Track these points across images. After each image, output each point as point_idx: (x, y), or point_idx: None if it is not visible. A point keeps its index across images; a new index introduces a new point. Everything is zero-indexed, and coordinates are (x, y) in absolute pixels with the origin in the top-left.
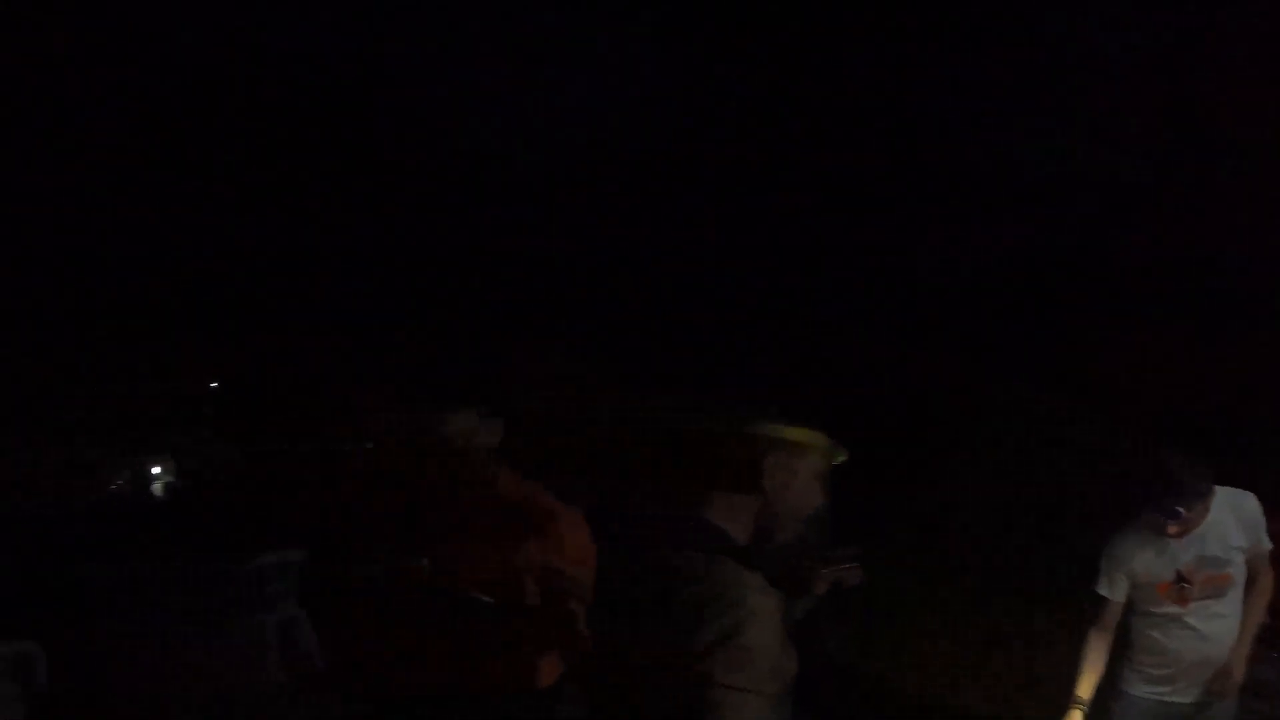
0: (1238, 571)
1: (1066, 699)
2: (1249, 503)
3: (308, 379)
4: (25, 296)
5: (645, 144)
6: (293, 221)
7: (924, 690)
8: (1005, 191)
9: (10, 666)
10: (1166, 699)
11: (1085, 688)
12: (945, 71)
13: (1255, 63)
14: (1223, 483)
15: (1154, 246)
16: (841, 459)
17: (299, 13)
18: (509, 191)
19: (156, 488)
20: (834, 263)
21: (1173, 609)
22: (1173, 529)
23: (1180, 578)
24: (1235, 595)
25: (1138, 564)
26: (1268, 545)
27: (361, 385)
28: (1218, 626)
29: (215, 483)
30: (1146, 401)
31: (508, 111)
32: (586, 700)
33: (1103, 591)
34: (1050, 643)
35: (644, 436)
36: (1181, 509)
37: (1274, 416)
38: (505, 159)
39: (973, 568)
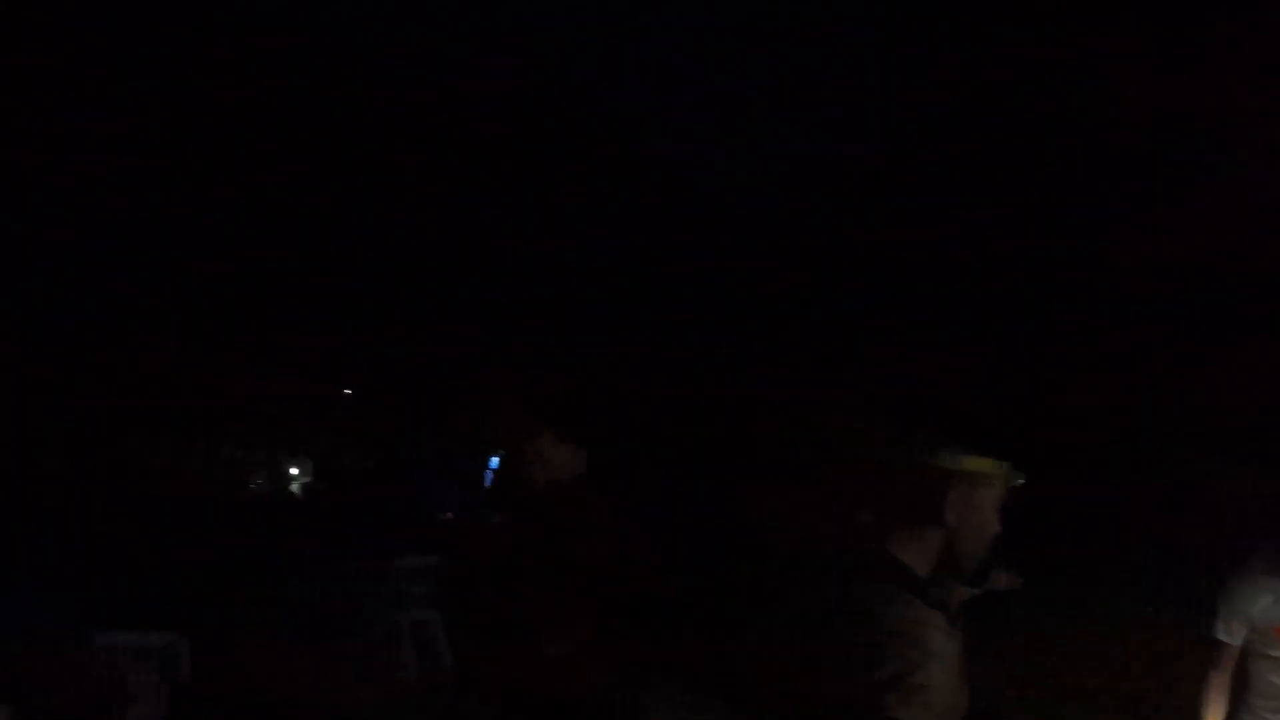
0: None
1: None
2: None
3: (442, 384)
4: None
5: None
6: (462, 232)
7: None
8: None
9: (155, 658)
10: None
11: None
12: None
13: None
14: None
15: None
16: (1019, 482)
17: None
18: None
19: (295, 487)
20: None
21: None
22: None
23: None
24: None
25: (1256, 609)
26: None
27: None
28: None
29: (350, 484)
30: None
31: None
32: None
33: (1220, 636)
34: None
35: (830, 467)
36: None
37: None
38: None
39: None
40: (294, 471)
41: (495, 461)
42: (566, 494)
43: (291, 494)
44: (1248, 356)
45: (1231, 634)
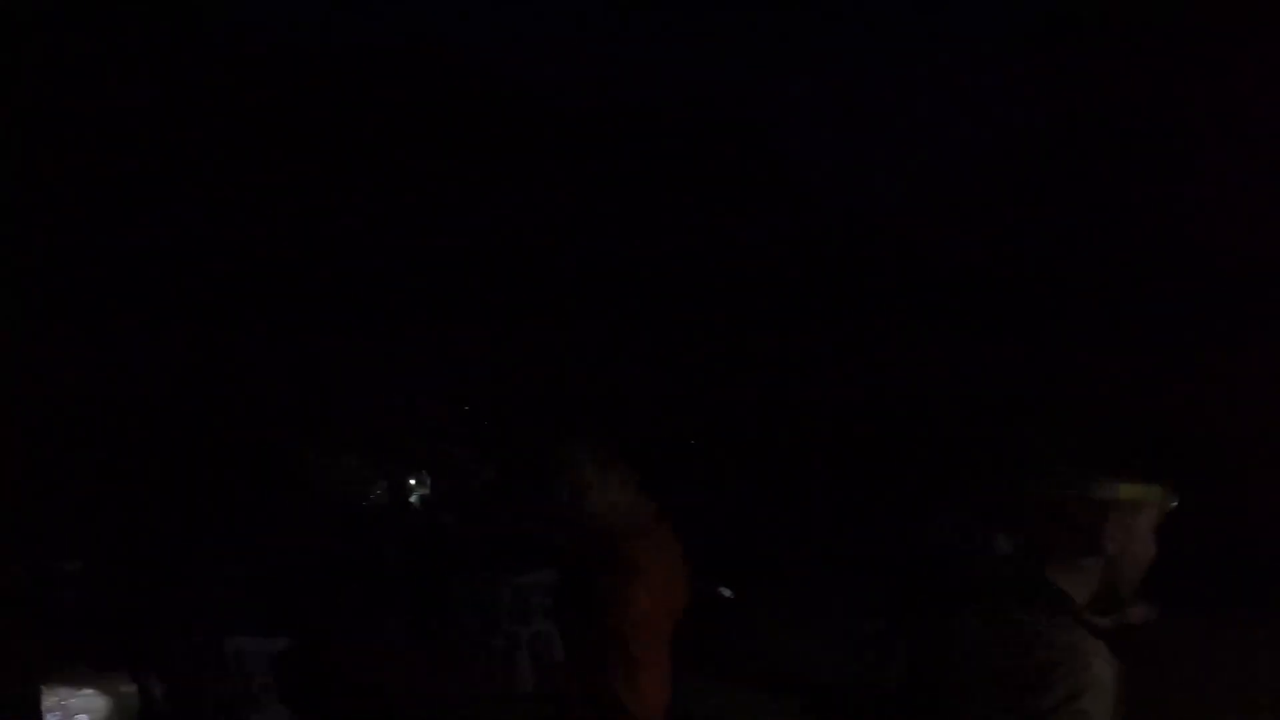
0: None
1: None
2: None
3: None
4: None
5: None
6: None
7: None
8: None
9: (272, 663)
10: None
11: None
12: None
13: None
14: None
15: None
16: (1174, 505)
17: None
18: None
19: (414, 499)
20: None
21: None
22: None
23: None
24: None
25: None
26: None
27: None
28: None
29: (469, 498)
30: None
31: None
32: None
33: None
34: None
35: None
36: None
37: None
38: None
39: None
40: (411, 483)
41: None
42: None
43: (411, 505)
44: None
45: None
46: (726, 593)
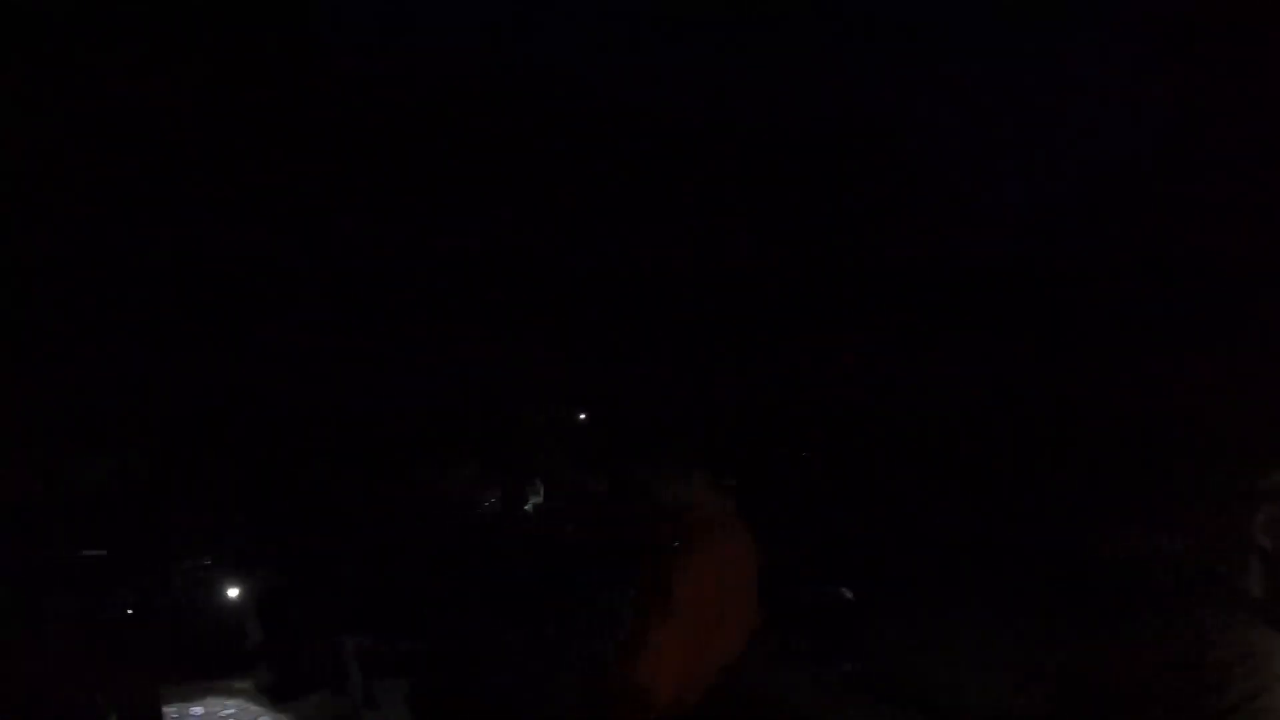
0: None
1: None
2: None
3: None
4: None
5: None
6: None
7: None
8: None
9: (402, 664)
10: None
11: None
12: None
13: None
14: None
15: None
16: None
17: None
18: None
19: (528, 507)
20: None
21: None
22: None
23: None
24: None
25: None
26: None
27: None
28: None
29: (583, 506)
30: None
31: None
32: None
33: None
34: None
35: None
36: None
37: None
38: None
39: None
40: (526, 492)
41: None
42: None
43: (526, 513)
44: None
45: None
46: (847, 594)
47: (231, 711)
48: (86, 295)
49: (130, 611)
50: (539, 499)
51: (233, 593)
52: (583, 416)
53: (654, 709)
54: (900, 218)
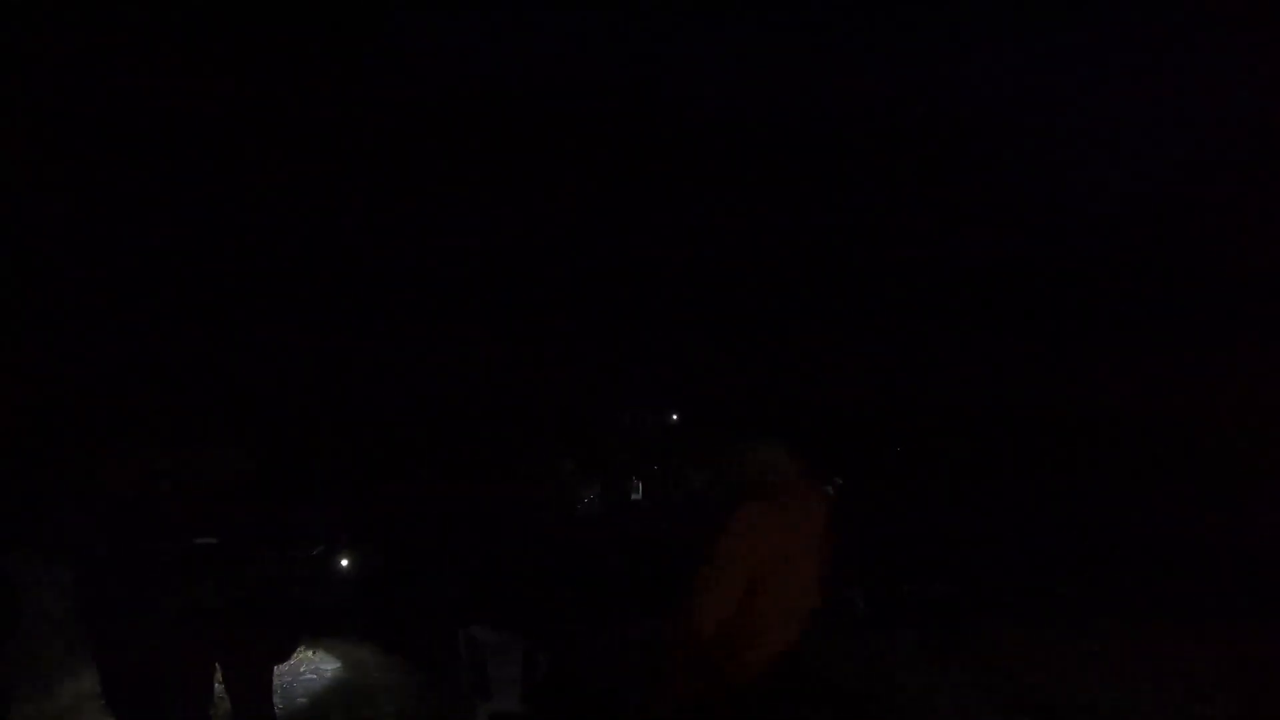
0: None
1: None
2: None
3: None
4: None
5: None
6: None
7: None
8: None
9: (516, 655)
10: None
11: None
12: None
13: None
14: None
15: None
16: None
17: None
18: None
19: (629, 503)
20: None
21: None
22: None
23: None
24: None
25: None
26: None
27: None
28: None
29: (679, 504)
30: None
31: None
32: None
33: None
34: None
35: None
36: None
37: None
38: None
39: None
40: (625, 488)
41: None
42: None
43: (625, 510)
44: None
45: None
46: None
47: (337, 665)
48: (205, 295)
49: (244, 598)
50: (638, 496)
51: (344, 579)
52: (675, 417)
53: (707, 660)
54: (1004, 224)
